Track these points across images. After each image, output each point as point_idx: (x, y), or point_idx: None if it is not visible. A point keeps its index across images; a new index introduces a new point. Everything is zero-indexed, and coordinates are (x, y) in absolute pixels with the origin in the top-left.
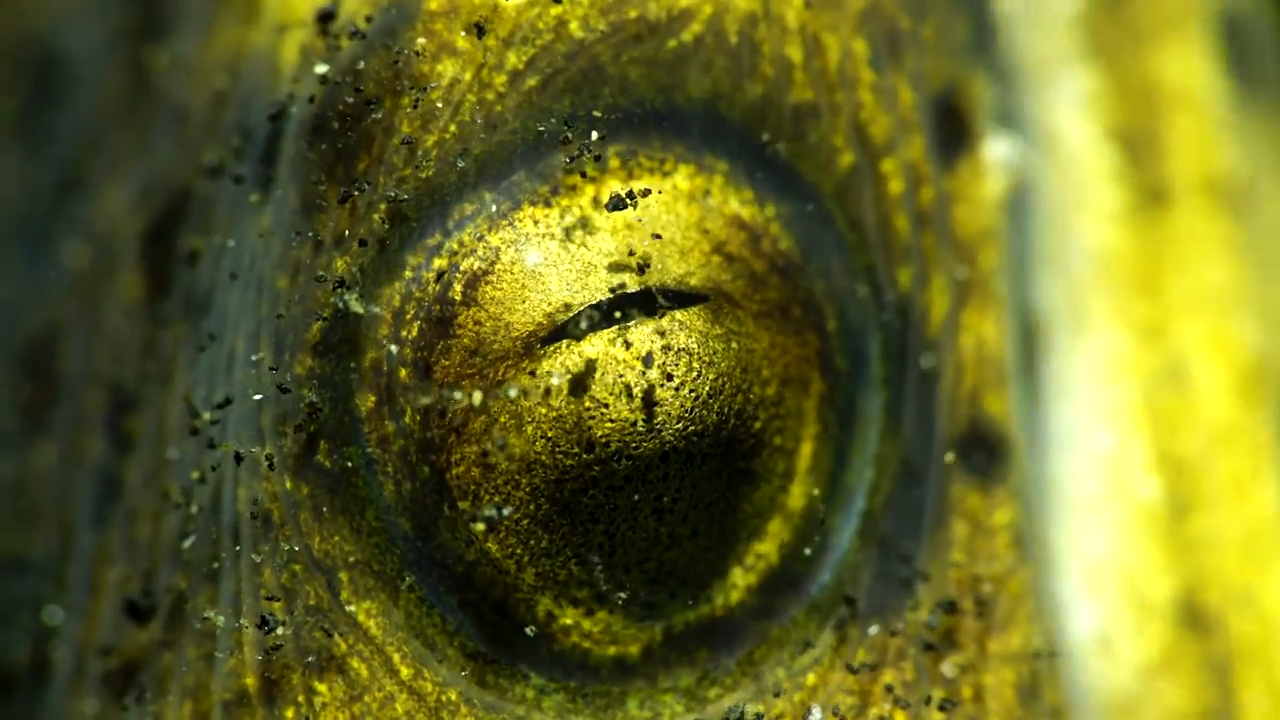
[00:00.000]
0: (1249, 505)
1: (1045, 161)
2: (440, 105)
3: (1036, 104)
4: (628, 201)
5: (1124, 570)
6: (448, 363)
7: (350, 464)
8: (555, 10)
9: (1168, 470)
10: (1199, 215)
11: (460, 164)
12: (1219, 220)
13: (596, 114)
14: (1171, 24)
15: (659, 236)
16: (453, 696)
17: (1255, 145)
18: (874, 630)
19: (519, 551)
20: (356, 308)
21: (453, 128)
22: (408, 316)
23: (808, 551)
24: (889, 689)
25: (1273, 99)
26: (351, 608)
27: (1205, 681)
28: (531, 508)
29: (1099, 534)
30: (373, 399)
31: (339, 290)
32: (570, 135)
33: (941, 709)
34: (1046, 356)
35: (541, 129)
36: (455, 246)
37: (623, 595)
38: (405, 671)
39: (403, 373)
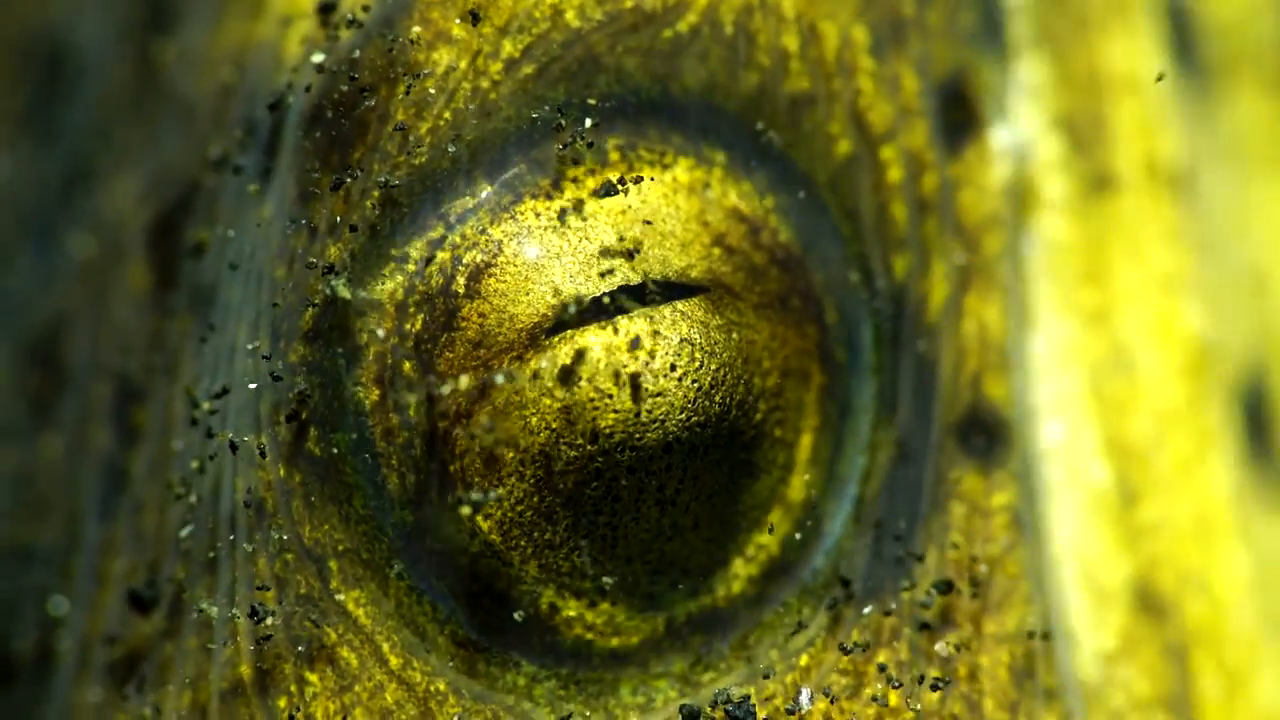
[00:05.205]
0: (1196, 488)
1: None
2: (434, 92)
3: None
4: (619, 188)
5: (1080, 557)
6: (452, 355)
7: (337, 450)
8: None
9: (1117, 456)
10: (1144, 201)
11: (452, 149)
12: (1163, 205)
13: (591, 102)
14: (1117, 10)
15: (649, 223)
16: (441, 686)
17: (1197, 130)
18: (868, 610)
19: (523, 544)
20: (344, 293)
21: (447, 114)
22: (411, 310)
23: (798, 537)
24: (882, 668)
25: (1212, 83)
26: (341, 596)
27: (1164, 667)
28: (535, 500)
29: (1055, 522)
30: (377, 393)
31: (328, 276)
32: (564, 122)
33: (935, 688)
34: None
35: (535, 116)
36: (457, 240)
37: (609, 580)
38: (394, 661)
39: (406, 366)
